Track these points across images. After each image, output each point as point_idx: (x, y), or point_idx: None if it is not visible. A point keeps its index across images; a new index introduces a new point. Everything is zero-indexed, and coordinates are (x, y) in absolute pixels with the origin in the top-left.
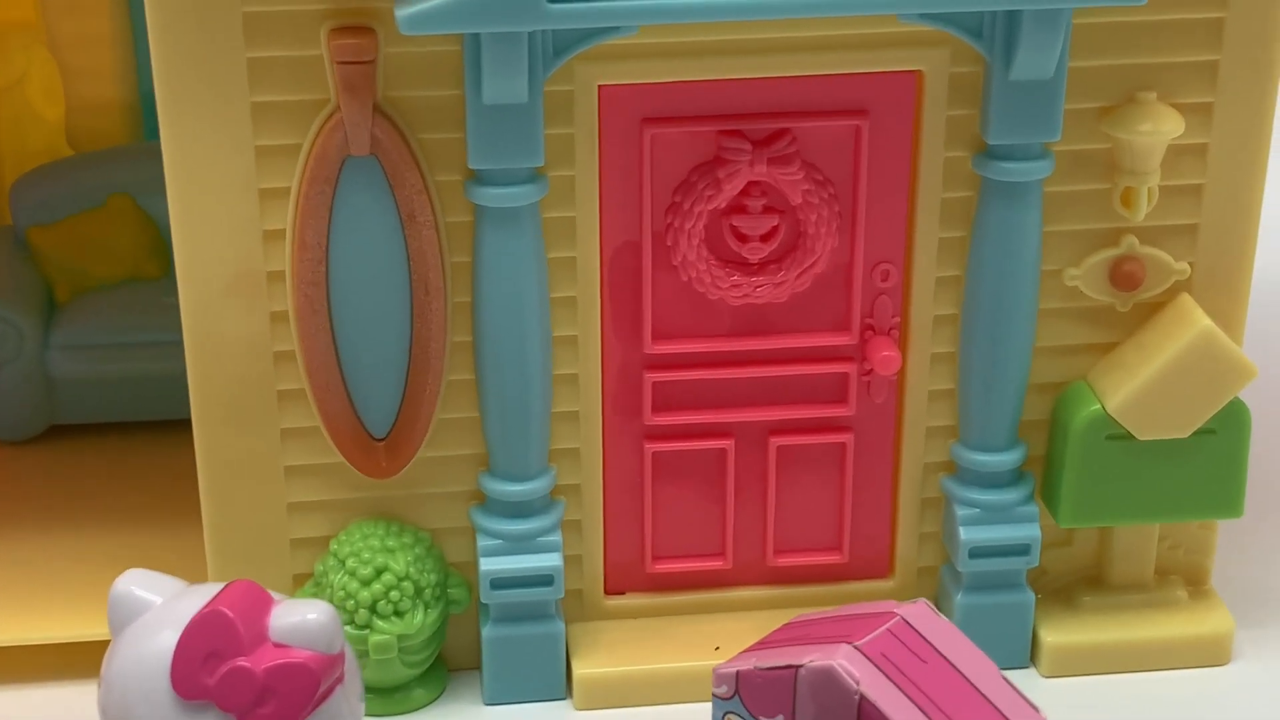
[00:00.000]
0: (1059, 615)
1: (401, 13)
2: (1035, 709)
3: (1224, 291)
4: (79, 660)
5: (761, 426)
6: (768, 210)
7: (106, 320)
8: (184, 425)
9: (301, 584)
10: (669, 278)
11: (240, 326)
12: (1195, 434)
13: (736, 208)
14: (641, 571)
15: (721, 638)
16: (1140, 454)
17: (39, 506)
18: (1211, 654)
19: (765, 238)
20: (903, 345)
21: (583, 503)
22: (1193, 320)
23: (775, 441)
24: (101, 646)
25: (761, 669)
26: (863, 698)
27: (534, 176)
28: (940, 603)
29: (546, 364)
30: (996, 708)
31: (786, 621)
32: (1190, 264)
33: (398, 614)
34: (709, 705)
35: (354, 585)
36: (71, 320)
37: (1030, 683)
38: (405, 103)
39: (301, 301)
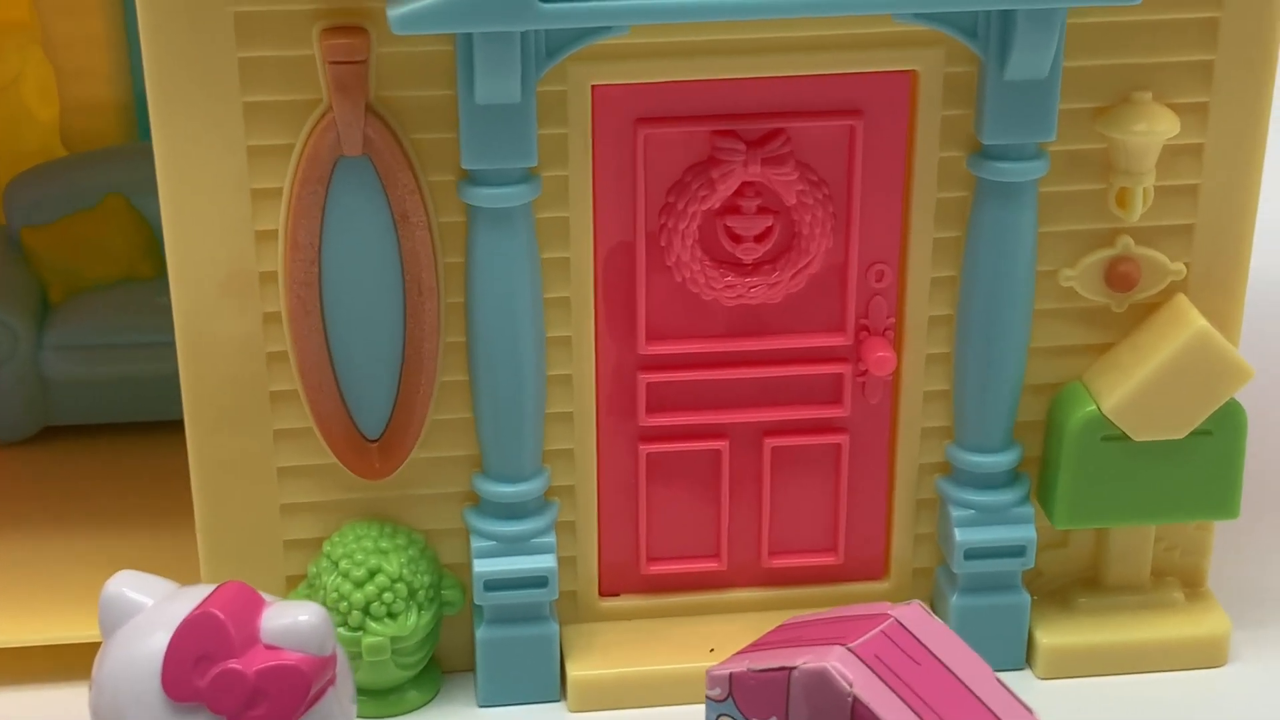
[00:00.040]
0: (1055, 617)
1: (393, 12)
2: (1029, 711)
3: (1220, 292)
4: (71, 662)
5: (756, 428)
6: (762, 211)
7: (100, 321)
8: (178, 426)
9: (295, 585)
10: (663, 278)
11: (233, 327)
12: (1191, 435)
13: (731, 208)
14: (636, 573)
15: (716, 639)
16: (1136, 455)
17: (32, 508)
18: (1208, 656)
19: (759, 238)
20: (898, 346)
21: (577, 504)
22: (1188, 321)
23: (770, 443)
24: (93, 648)
25: (755, 671)
26: (856, 700)
27: (527, 177)
28: (936, 604)
29: (540, 365)
30: (990, 710)
31: (780, 623)
32: (1186, 264)
33: (391, 616)
34: (703, 707)
35: (347, 587)
36: (65, 321)
37: (1026, 684)
38: (398, 103)
39: (294, 302)
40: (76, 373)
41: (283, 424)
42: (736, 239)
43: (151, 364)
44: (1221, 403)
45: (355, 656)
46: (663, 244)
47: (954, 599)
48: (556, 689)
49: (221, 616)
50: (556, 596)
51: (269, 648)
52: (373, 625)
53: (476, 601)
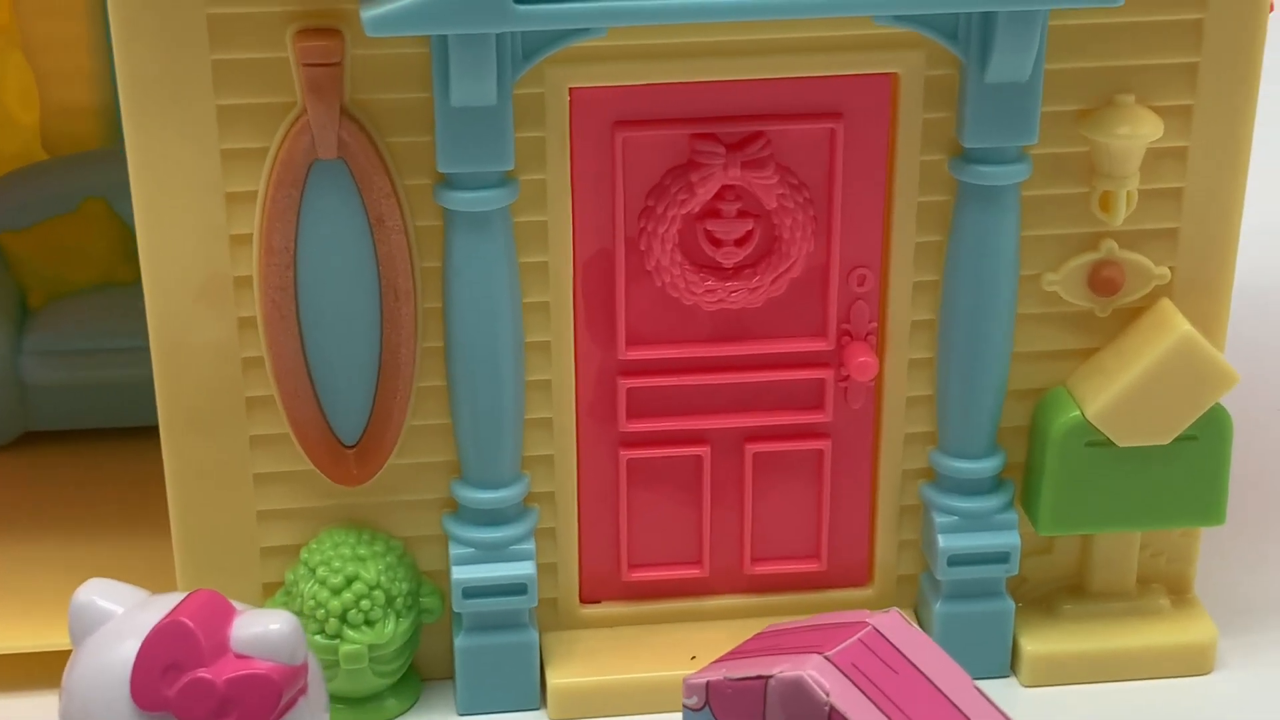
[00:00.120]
0: (1040, 624)
1: (367, 14)
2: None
3: (1205, 296)
4: (41, 670)
5: (737, 433)
6: (742, 214)
7: (81, 326)
8: (159, 431)
9: (272, 593)
10: (643, 283)
11: (208, 332)
12: (1176, 441)
13: (710, 212)
14: (617, 580)
15: (698, 647)
16: (1121, 461)
17: (10, 514)
18: (1194, 663)
19: (740, 242)
20: (880, 351)
21: (557, 510)
22: (1173, 326)
23: (751, 448)
24: (64, 656)
25: (731, 679)
26: (832, 709)
27: (504, 180)
28: (919, 611)
29: (519, 370)
30: (969, 719)
31: (759, 631)
32: (1171, 269)
33: (368, 623)
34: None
35: (324, 594)
36: (45, 326)
37: (1010, 692)
38: (373, 105)
39: (269, 307)
40: (56, 378)
41: (259, 430)
42: (717, 243)
43: (132, 369)
44: (1207, 408)
45: (333, 664)
46: (642, 248)
47: (938, 606)
48: (536, 697)
49: (191, 625)
50: (536, 604)
51: (239, 657)
52: (350, 633)
53: (455, 609)
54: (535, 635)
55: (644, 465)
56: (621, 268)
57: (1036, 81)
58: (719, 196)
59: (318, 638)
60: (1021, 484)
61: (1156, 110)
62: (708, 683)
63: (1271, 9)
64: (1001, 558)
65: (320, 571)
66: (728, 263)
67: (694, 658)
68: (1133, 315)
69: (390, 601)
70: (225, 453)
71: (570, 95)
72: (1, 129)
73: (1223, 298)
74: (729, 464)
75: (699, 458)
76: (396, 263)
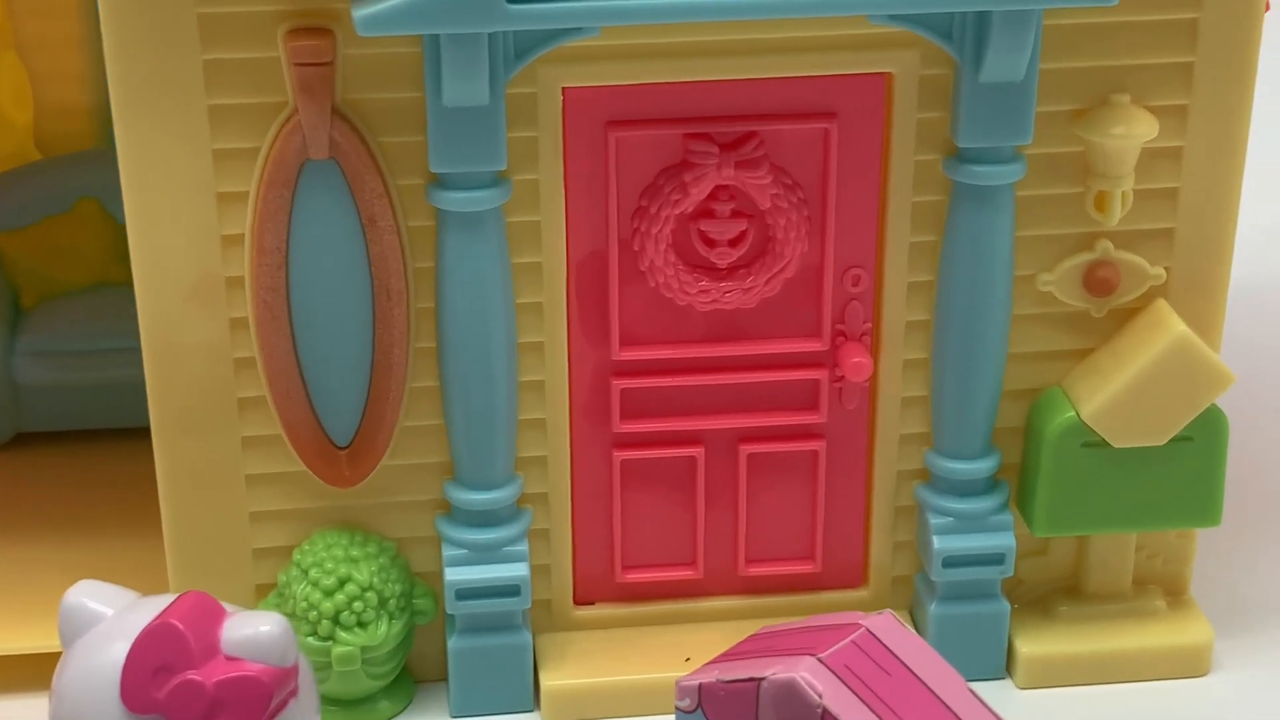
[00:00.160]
0: (1035, 625)
1: (359, 13)
2: None
3: (1201, 297)
4: (32, 672)
5: (732, 434)
6: (736, 214)
7: (74, 326)
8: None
9: (264, 594)
10: (636, 283)
11: (199, 333)
12: (1172, 441)
13: (704, 212)
14: (611, 581)
15: (692, 648)
16: (1116, 462)
17: (2, 516)
18: (1190, 665)
19: (734, 242)
20: (874, 351)
21: (550, 512)
22: (1168, 326)
23: (746, 449)
24: (55, 658)
25: (724, 681)
26: (825, 711)
27: (497, 180)
28: (915, 612)
29: (512, 371)
30: None
31: (752, 633)
32: (1166, 269)
33: (361, 625)
34: None
35: (317, 596)
36: (38, 326)
37: (1006, 694)
38: (365, 105)
39: (261, 307)
40: (49, 379)
41: (251, 431)
42: (710, 243)
43: (125, 369)
44: (1202, 409)
45: (325, 666)
46: (636, 248)
47: (933, 607)
48: (530, 699)
49: (181, 627)
50: (529, 605)
51: (229, 659)
52: (343, 635)
53: (448, 610)
54: (529, 637)
55: (638, 466)
56: (615, 268)
57: (1031, 81)
58: (713, 197)
59: (310, 639)
60: (1017, 485)
61: (1152, 110)
62: (700, 685)
63: (1268, 8)
64: (997, 559)
65: (313, 573)
66: (722, 263)
67: (688, 659)
68: (1128, 316)
69: (383, 603)
70: (217, 454)
71: (563, 95)
72: None
73: (1218, 298)
74: (723, 465)
75: (693, 459)
76: (389, 263)
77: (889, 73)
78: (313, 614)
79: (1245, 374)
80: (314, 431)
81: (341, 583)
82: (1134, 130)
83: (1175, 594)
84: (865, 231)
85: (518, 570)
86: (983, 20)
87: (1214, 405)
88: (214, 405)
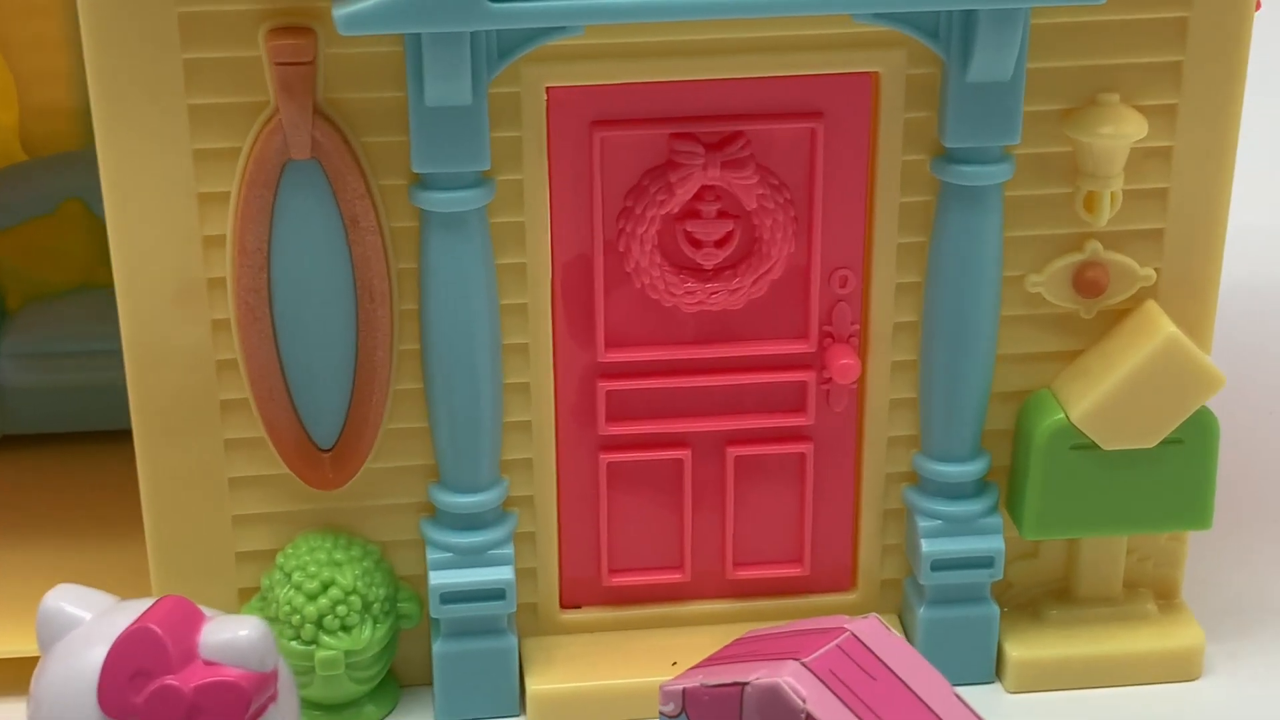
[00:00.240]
0: (1025, 629)
1: (339, 12)
2: None
3: (1191, 298)
4: (10, 676)
5: (719, 436)
6: (722, 215)
7: (58, 328)
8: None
9: (248, 598)
10: (622, 284)
11: (181, 335)
12: (1162, 444)
13: (690, 212)
14: (598, 585)
15: (680, 652)
16: (1106, 464)
17: None
18: (1182, 669)
19: (720, 243)
20: (862, 353)
21: (536, 515)
22: (1157, 327)
23: (733, 451)
24: (34, 663)
25: (708, 686)
26: (809, 716)
27: (480, 180)
28: (904, 616)
29: (497, 372)
30: None
31: (738, 637)
32: (1156, 270)
33: (345, 629)
34: None
35: (300, 599)
36: (22, 328)
37: (995, 699)
38: (347, 105)
39: (243, 309)
40: (33, 381)
41: (233, 433)
42: (696, 244)
43: (109, 372)
44: (1192, 411)
45: (309, 671)
46: (621, 249)
47: (922, 611)
48: (516, 703)
49: (159, 631)
50: (515, 609)
51: (208, 663)
52: (326, 639)
53: (433, 614)
54: (514, 641)
55: (624, 469)
56: (600, 269)
57: (1019, 80)
58: (698, 197)
59: (294, 643)
60: (1006, 487)
61: (1141, 109)
62: (684, 690)
63: (1258, 7)
64: (986, 562)
65: (296, 577)
66: (708, 264)
67: (675, 663)
68: (1118, 317)
69: (367, 607)
70: (199, 457)
71: (547, 95)
72: None
73: (1209, 299)
74: (710, 467)
75: (680, 461)
76: (371, 264)
77: (875, 72)
78: (296, 618)
79: (1236, 376)
80: (297, 434)
81: (325, 586)
82: (1123, 130)
83: (1166, 597)
84: (852, 232)
85: (503, 574)
86: (969, 19)
87: (1205, 407)
88: (196, 407)
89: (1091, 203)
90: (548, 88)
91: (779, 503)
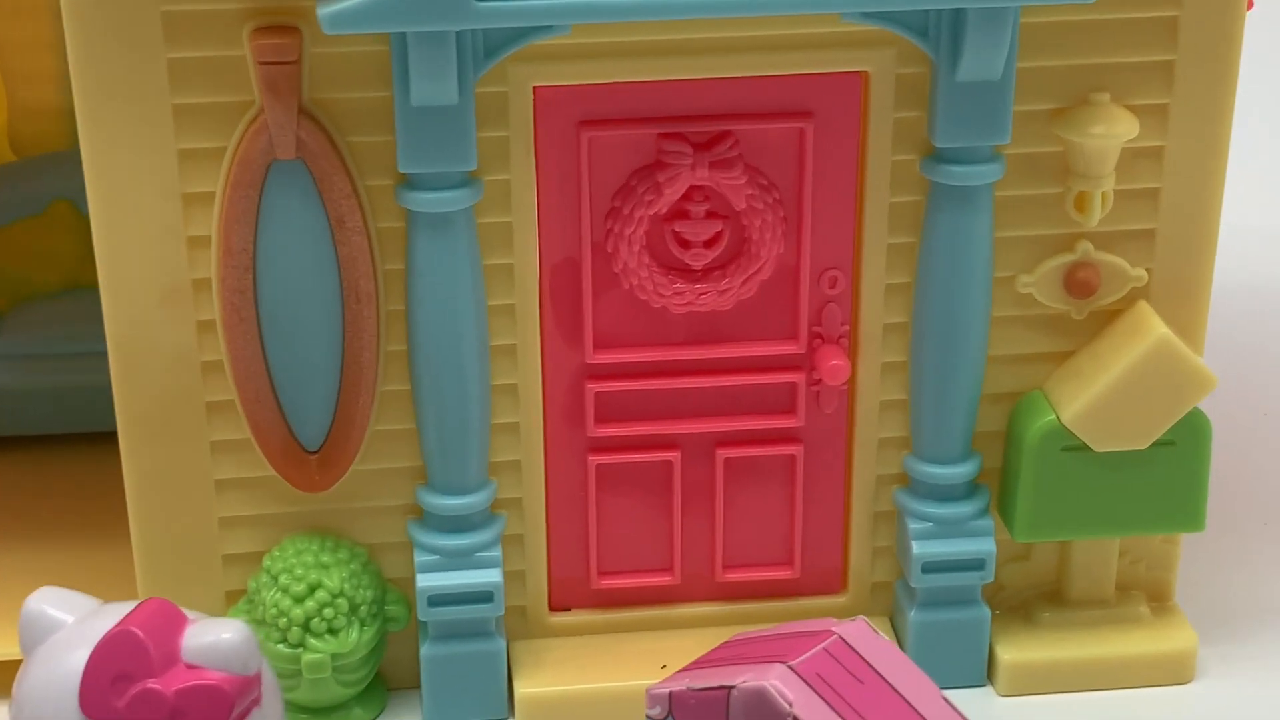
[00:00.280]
0: (1017, 632)
1: (324, 11)
2: None
3: (1183, 299)
4: None
5: (708, 438)
6: (710, 215)
7: (46, 330)
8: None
9: (234, 601)
10: (610, 285)
11: (166, 336)
12: (1154, 445)
13: (678, 213)
14: (587, 587)
15: (669, 655)
16: (1098, 466)
17: None
18: (1175, 672)
19: (708, 243)
20: (852, 354)
21: (525, 517)
22: (1149, 328)
23: (723, 453)
24: (16, 666)
25: (695, 690)
26: (795, 719)
27: (467, 181)
28: (894, 619)
29: (484, 374)
30: None
31: (725, 640)
32: (1148, 270)
33: (332, 632)
34: None
35: (287, 602)
36: (11, 330)
37: (987, 702)
38: (332, 104)
39: (228, 310)
40: (21, 383)
41: (219, 435)
42: (685, 244)
43: (97, 374)
44: (1184, 412)
45: (296, 674)
46: (609, 250)
47: (912, 614)
48: (504, 706)
49: (141, 634)
50: (502, 612)
51: (190, 667)
52: (313, 642)
53: (421, 617)
54: (503, 644)
55: (613, 471)
56: (588, 270)
57: (1009, 80)
58: (687, 197)
59: (280, 646)
60: (997, 489)
61: (1132, 109)
62: (671, 693)
63: (1250, 6)
64: (977, 564)
65: (283, 579)
66: (696, 264)
67: (664, 666)
68: (1109, 318)
69: (354, 610)
70: (185, 459)
71: (534, 94)
72: None
73: (1201, 300)
74: (700, 469)
75: (669, 463)
76: (358, 265)
77: (865, 71)
78: (283, 621)
79: (1229, 377)
80: (283, 436)
81: (312, 589)
82: (1114, 130)
83: (1159, 600)
84: (842, 232)
85: (491, 576)
86: (959, 18)
87: (1197, 409)
88: (182, 409)
89: (1082, 203)
90: (535, 87)
91: (769, 505)
